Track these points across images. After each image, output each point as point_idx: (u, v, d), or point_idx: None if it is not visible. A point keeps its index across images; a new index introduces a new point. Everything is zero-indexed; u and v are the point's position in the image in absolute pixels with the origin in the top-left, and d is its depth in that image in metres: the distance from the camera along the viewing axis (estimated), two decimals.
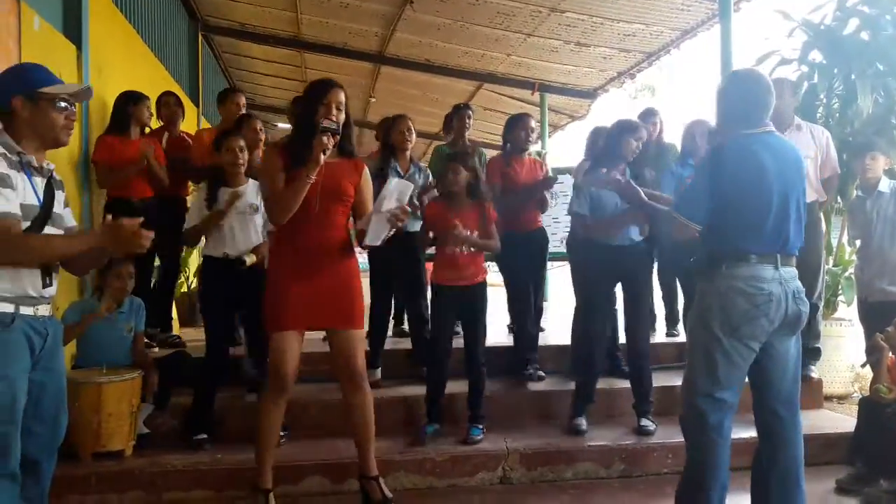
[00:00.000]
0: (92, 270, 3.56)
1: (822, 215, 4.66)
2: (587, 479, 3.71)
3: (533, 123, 4.68)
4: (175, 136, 5.16)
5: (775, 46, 5.95)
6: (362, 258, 6.47)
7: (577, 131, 10.21)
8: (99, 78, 4.89)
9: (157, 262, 4.98)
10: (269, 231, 3.84)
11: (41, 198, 2.29)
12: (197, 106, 8.54)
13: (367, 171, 3.20)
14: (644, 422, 3.95)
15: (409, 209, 2.96)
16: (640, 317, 3.98)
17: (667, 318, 5.45)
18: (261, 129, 4.50)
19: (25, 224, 2.21)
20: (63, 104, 2.31)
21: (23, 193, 2.21)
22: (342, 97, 3.02)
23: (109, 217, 2.29)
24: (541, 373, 4.55)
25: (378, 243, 3.02)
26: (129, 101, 4.66)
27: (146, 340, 4.63)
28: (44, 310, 2.30)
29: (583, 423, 3.95)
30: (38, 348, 2.26)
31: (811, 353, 4.59)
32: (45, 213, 2.28)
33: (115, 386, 3.47)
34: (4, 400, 2.14)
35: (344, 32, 8.45)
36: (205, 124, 8.55)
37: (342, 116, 2.99)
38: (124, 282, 3.78)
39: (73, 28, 4.53)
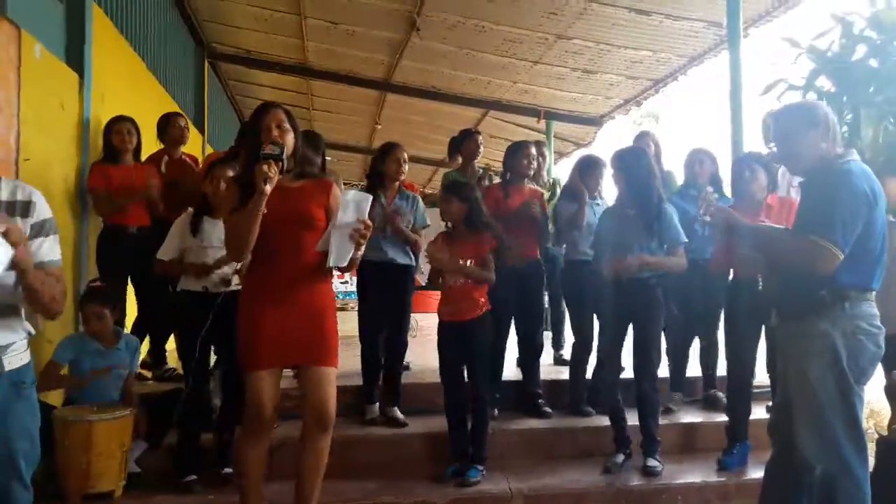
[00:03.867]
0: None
1: None
2: None
3: (533, 151, 4.56)
4: (176, 158, 5.08)
5: (783, 74, 5.87)
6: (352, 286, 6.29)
7: None
8: (102, 106, 4.86)
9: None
10: None
11: None
12: (202, 133, 8.54)
13: (336, 189, 2.98)
14: (651, 462, 3.81)
15: (370, 223, 2.72)
16: (647, 357, 3.84)
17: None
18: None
19: None
20: None
21: None
22: (281, 116, 2.81)
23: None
24: (546, 409, 4.41)
25: (343, 264, 2.74)
26: (107, 129, 4.60)
27: (141, 371, 4.57)
28: None
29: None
30: None
31: None
32: None
33: (106, 424, 3.36)
34: None
35: (350, 60, 8.45)
36: (210, 150, 8.54)
37: (289, 137, 2.79)
38: (103, 322, 3.66)
39: (75, 56, 4.51)
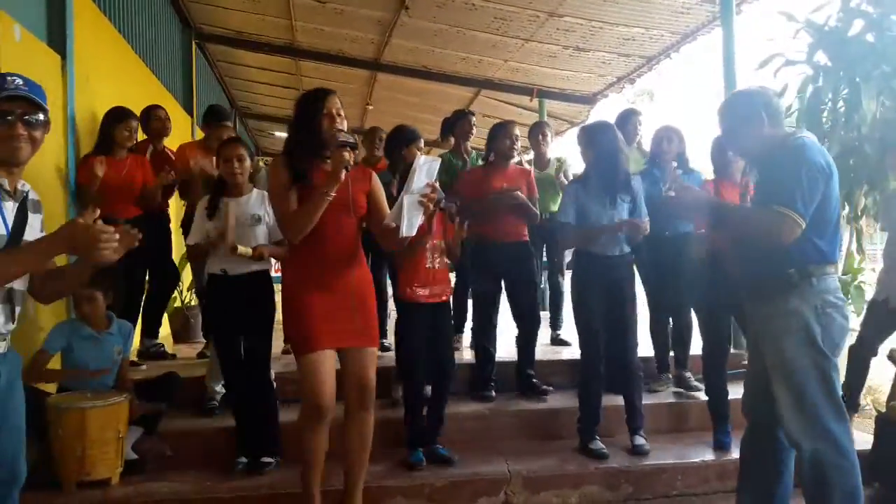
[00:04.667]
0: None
1: None
2: (593, 502, 3.56)
3: (516, 131, 4.46)
4: (159, 150, 5.05)
5: (780, 48, 5.81)
6: None
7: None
8: (86, 88, 4.76)
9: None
10: (275, 241, 3.70)
11: (9, 225, 2.07)
12: (191, 115, 8.42)
13: (376, 176, 3.05)
14: (638, 440, 3.80)
15: (438, 187, 2.79)
16: (627, 330, 3.82)
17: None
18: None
19: None
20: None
21: None
22: (339, 103, 2.91)
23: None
24: (545, 386, 4.37)
25: (413, 233, 2.81)
26: (111, 121, 4.53)
27: (135, 359, 4.53)
28: None
29: (601, 446, 3.79)
30: None
31: None
32: (13, 240, 2.06)
33: (100, 411, 3.31)
34: None
35: (339, 39, 8.34)
36: (199, 134, 8.44)
37: (345, 125, 2.87)
38: (94, 305, 3.61)
39: (57, 37, 4.40)
